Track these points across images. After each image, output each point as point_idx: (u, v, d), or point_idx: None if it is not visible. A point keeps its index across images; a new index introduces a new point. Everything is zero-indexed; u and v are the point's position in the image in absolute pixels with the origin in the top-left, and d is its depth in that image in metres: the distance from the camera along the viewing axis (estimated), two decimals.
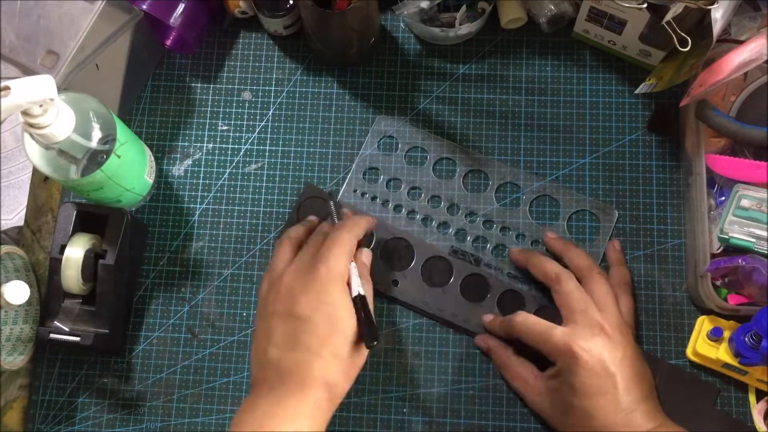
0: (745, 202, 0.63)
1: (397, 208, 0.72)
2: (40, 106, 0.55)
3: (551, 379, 0.62)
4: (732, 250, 0.64)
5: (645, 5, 0.63)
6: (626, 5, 0.64)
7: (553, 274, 0.65)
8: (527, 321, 0.63)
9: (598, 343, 0.59)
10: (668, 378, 0.66)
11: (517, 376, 0.65)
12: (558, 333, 0.61)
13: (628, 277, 0.68)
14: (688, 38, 0.63)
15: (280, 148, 0.75)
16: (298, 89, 0.76)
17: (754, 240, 0.62)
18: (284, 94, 0.76)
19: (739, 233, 0.63)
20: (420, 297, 0.69)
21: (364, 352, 0.59)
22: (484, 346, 0.67)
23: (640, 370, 0.61)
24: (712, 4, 0.61)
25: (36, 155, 0.61)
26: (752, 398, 0.66)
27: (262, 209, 0.73)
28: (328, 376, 0.56)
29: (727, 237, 0.63)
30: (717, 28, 0.62)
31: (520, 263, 0.69)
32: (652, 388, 0.62)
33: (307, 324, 0.57)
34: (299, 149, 0.74)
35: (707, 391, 0.66)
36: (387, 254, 0.70)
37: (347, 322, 0.58)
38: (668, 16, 0.63)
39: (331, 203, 0.69)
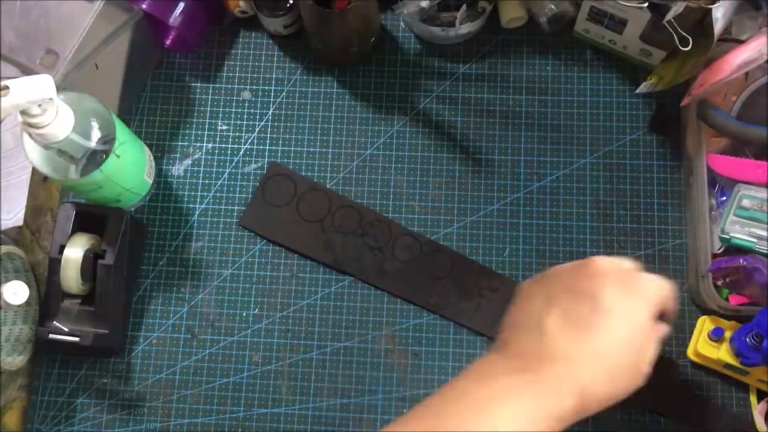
0: (746, 202, 0.63)
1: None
2: (39, 105, 0.55)
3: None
4: (733, 250, 0.64)
5: (646, 4, 0.63)
6: (627, 4, 0.64)
7: None
8: None
9: None
10: None
11: None
12: None
13: None
14: (689, 37, 0.63)
15: (280, 148, 0.74)
16: (298, 89, 0.76)
17: (755, 240, 0.62)
18: (284, 93, 0.76)
19: (740, 233, 0.63)
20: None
21: (639, 378, 0.50)
22: None
23: None
24: (714, 3, 0.61)
25: (35, 155, 0.61)
26: (753, 399, 0.66)
27: None
28: (590, 388, 0.48)
29: (728, 237, 0.63)
30: (718, 27, 0.62)
31: None
32: None
33: (607, 323, 0.49)
34: (299, 149, 0.74)
35: (668, 366, 0.66)
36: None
37: (644, 343, 0.50)
38: (669, 15, 0.62)
39: None
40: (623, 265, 0.53)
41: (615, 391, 0.48)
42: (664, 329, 0.52)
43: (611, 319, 0.49)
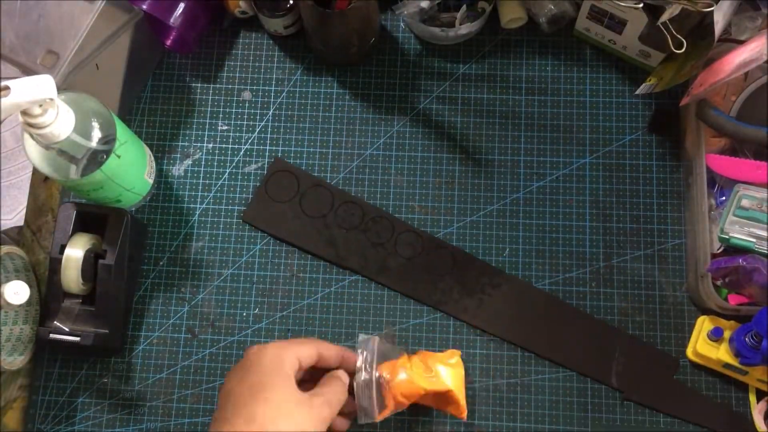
0: (745, 202, 0.63)
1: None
2: (40, 106, 0.55)
3: None
4: (732, 250, 0.64)
5: (641, 5, 0.63)
6: (624, 4, 0.65)
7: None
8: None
9: None
10: (628, 349, 0.67)
11: None
12: None
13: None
14: (684, 40, 0.63)
15: (280, 148, 0.75)
16: (298, 89, 0.76)
17: (754, 240, 0.62)
18: (284, 93, 0.76)
19: (739, 233, 0.63)
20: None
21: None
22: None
23: None
24: (710, 6, 0.61)
25: (36, 155, 0.61)
26: (752, 398, 0.66)
27: None
28: None
29: (727, 237, 0.63)
30: (718, 28, 0.62)
31: None
32: None
33: (230, 398, 0.55)
34: (299, 149, 0.74)
35: (667, 363, 0.67)
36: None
37: (276, 389, 0.55)
38: (664, 17, 0.63)
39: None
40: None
41: (295, 428, 0.54)
42: (330, 401, 0.58)
43: (227, 401, 0.56)
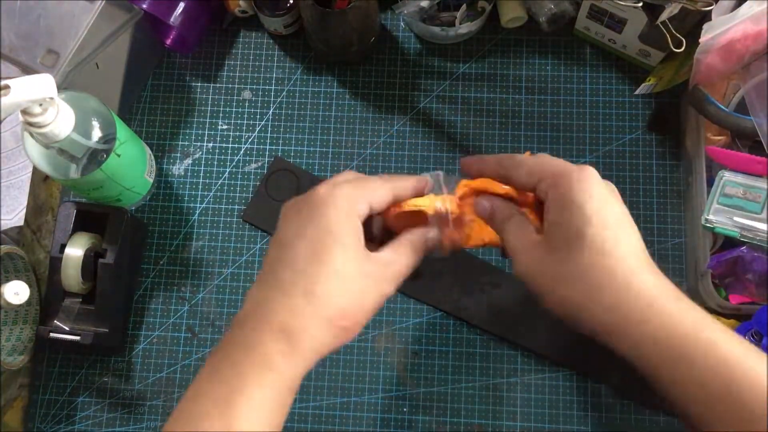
0: (729, 189, 0.63)
1: None
2: (40, 105, 0.55)
3: (542, 243, 0.46)
4: (729, 245, 0.64)
5: (640, 4, 0.63)
6: (624, 4, 0.65)
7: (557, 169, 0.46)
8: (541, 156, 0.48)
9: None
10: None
11: (510, 245, 0.48)
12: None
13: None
14: (683, 39, 0.63)
15: (280, 148, 0.75)
16: (298, 88, 0.76)
17: (738, 229, 0.62)
18: (284, 93, 0.76)
19: (724, 222, 0.62)
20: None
21: (366, 297, 0.46)
22: (488, 206, 0.49)
23: None
24: (710, 5, 0.61)
25: (36, 154, 0.61)
26: None
27: None
28: (291, 321, 0.43)
29: (711, 226, 0.63)
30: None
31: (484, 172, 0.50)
32: None
33: (288, 252, 0.45)
34: (299, 148, 0.74)
35: None
36: None
37: (343, 253, 0.44)
38: (663, 17, 0.63)
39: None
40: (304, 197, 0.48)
41: (356, 306, 0.45)
42: (417, 242, 0.49)
43: (285, 251, 0.45)
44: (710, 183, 0.66)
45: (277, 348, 0.43)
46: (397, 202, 0.49)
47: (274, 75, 0.77)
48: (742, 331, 0.62)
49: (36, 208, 0.74)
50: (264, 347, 0.43)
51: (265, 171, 0.73)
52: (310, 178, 0.73)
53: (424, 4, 0.69)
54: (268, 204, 0.72)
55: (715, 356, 0.41)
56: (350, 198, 0.46)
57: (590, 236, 0.44)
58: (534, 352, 0.68)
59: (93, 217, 0.67)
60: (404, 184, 0.49)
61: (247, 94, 0.76)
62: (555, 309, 0.46)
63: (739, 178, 0.63)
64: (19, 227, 0.73)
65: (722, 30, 0.60)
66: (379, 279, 0.46)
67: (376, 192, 0.47)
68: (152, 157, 0.72)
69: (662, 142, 0.72)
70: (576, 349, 0.67)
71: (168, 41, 0.77)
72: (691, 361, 0.42)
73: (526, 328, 0.68)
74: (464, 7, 0.73)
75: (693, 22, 0.65)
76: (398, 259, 0.48)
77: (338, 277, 0.44)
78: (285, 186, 0.72)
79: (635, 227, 0.47)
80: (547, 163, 0.47)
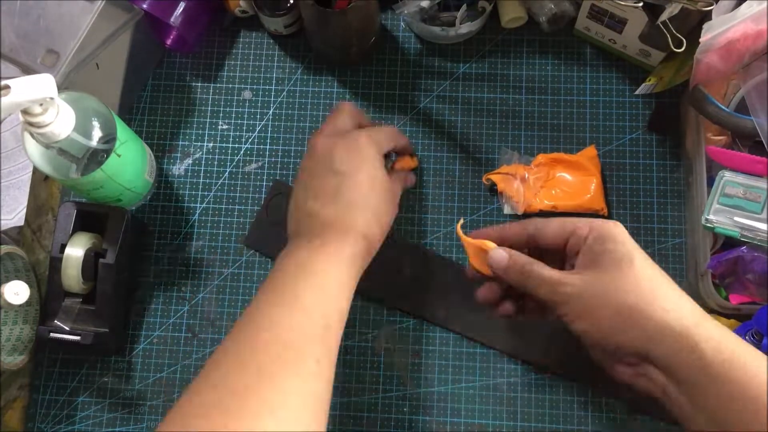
0: (730, 189, 0.63)
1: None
2: (41, 105, 0.55)
3: (587, 267, 0.53)
4: (729, 245, 0.64)
5: (641, 4, 0.63)
6: (624, 4, 0.64)
7: (572, 225, 0.55)
8: (547, 220, 0.57)
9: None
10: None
11: (545, 279, 0.54)
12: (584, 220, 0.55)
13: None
14: (684, 39, 0.63)
15: (280, 148, 0.75)
16: (298, 88, 0.76)
17: (738, 229, 0.62)
18: (284, 93, 0.76)
19: (724, 222, 0.62)
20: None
21: (395, 210, 0.63)
22: (502, 261, 0.56)
23: None
24: (710, 5, 0.61)
25: (36, 154, 0.61)
26: None
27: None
28: (368, 230, 0.58)
29: (712, 226, 0.63)
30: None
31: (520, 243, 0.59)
32: None
33: (350, 180, 0.59)
34: (299, 148, 0.74)
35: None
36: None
37: (386, 184, 0.61)
38: (663, 17, 0.63)
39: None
40: (341, 129, 0.63)
41: (381, 225, 0.60)
42: (404, 178, 0.68)
43: (348, 179, 0.59)
44: (710, 183, 0.66)
45: (359, 246, 0.58)
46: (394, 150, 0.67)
47: (274, 75, 0.77)
48: (742, 331, 0.62)
49: (36, 208, 0.74)
50: (351, 248, 0.57)
51: (264, 196, 0.73)
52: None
53: (424, 4, 0.69)
54: (269, 229, 0.72)
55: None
56: (379, 145, 0.62)
57: (640, 257, 0.51)
58: (543, 367, 0.67)
59: (93, 217, 0.67)
60: (403, 144, 0.68)
61: (247, 94, 0.76)
62: (602, 321, 0.51)
63: (740, 178, 0.63)
64: (19, 227, 0.73)
65: (722, 30, 0.60)
66: (395, 196, 0.64)
67: (382, 137, 0.64)
68: (152, 157, 0.72)
69: (662, 142, 0.72)
70: (575, 356, 0.66)
71: (168, 41, 0.77)
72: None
73: (527, 342, 0.67)
74: (464, 7, 0.73)
75: (693, 22, 0.65)
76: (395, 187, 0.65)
77: (384, 200, 0.61)
78: (286, 209, 0.70)
79: None
80: (576, 219, 0.56)
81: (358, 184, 0.59)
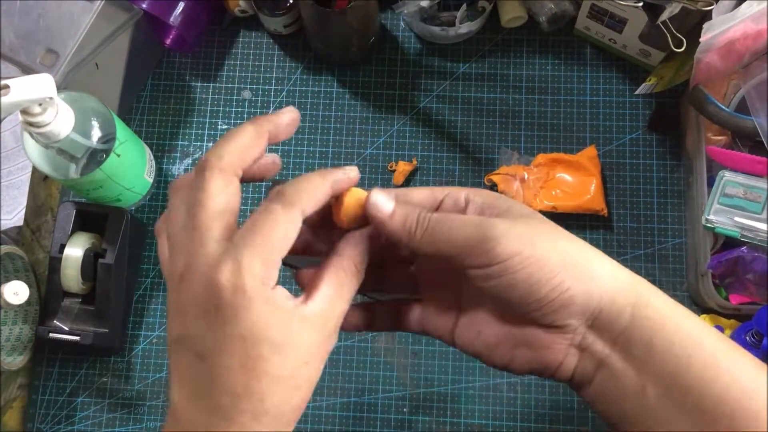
0: (730, 189, 0.63)
1: None
2: (40, 104, 0.55)
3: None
4: (729, 245, 0.64)
5: (641, 4, 0.63)
6: (624, 3, 0.64)
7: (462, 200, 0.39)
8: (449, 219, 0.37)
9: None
10: None
11: (464, 219, 0.37)
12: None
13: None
14: (684, 39, 0.63)
15: (280, 148, 0.74)
16: (298, 88, 0.76)
17: (739, 229, 0.62)
18: (284, 93, 0.76)
19: (724, 222, 0.62)
20: None
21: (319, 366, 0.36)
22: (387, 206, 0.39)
23: None
24: (710, 5, 0.61)
25: (35, 154, 0.61)
26: None
27: None
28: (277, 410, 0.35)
29: (712, 226, 0.63)
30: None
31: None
32: None
33: (213, 370, 0.34)
34: (299, 148, 0.74)
35: None
36: None
37: (280, 353, 0.34)
38: (663, 16, 0.63)
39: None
40: (205, 206, 0.38)
41: (307, 390, 0.36)
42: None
43: (217, 367, 0.34)
44: (711, 183, 0.66)
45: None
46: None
47: (274, 75, 0.77)
48: (742, 331, 0.62)
49: (35, 208, 0.74)
50: None
51: (263, 196, 0.73)
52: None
53: (424, 4, 0.69)
54: None
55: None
56: (263, 276, 0.36)
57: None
58: None
59: (93, 217, 0.67)
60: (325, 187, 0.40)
61: (247, 94, 0.76)
62: (543, 270, 0.35)
63: (740, 178, 0.63)
64: (19, 227, 0.73)
65: (722, 29, 0.60)
66: (323, 350, 0.37)
67: (310, 204, 0.39)
68: (152, 157, 0.72)
69: (662, 142, 0.72)
70: None
71: (168, 41, 0.77)
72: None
73: None
74: (464, 6, 0.73)
75: (693, 22, 0.65)
76: (331, 310, 0.37)
77: (283, 381, 0.35)
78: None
79: None
80: (445, 187, 0.40)
81: (226, 379, 0.34)
